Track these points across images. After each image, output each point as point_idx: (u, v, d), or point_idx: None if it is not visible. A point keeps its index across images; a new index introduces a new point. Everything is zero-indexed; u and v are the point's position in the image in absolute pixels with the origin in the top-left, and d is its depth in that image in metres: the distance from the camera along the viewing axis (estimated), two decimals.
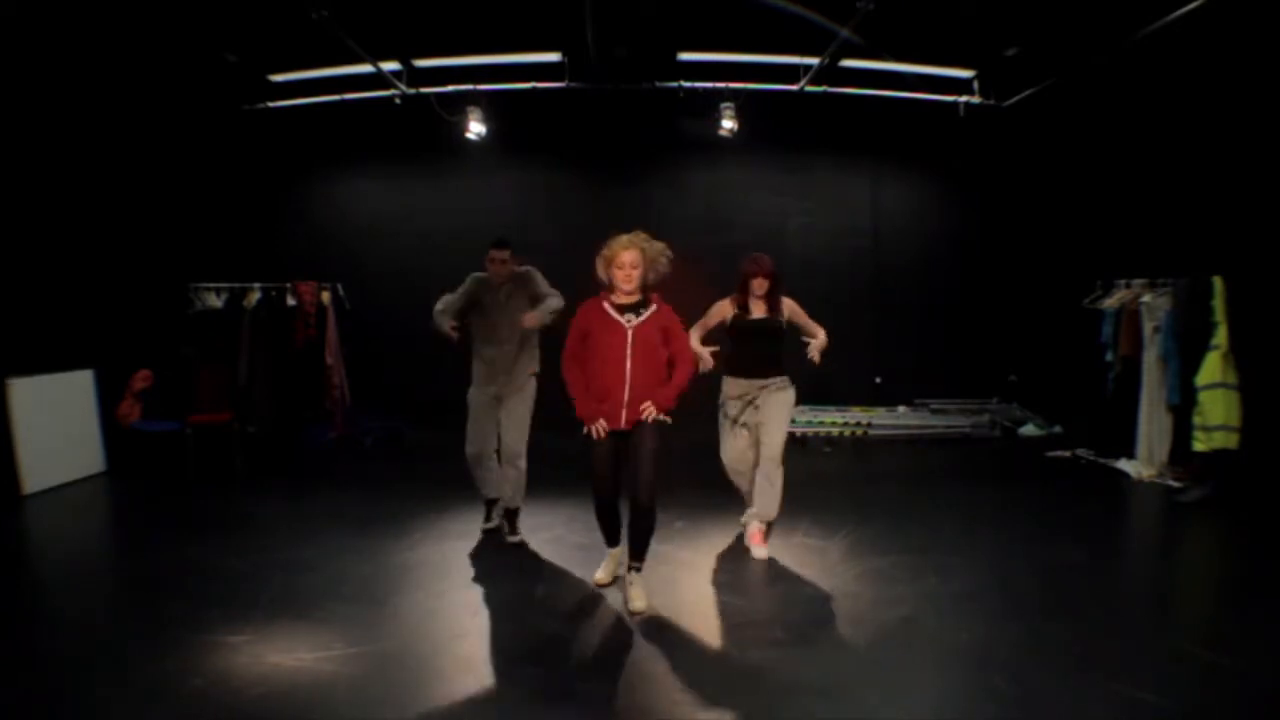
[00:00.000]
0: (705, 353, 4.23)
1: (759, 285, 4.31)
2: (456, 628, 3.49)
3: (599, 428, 3.61)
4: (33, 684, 2.96)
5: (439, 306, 4.55)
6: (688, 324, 4.03)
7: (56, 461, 5.86)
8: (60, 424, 5.96)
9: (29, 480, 5.58)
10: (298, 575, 4.08)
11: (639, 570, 3.74)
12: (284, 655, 3.19)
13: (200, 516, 5.25)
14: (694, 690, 2.96)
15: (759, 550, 4.36)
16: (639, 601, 3.64)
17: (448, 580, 4.07)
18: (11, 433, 5.51)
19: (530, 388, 4.60)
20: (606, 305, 3.70)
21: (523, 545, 4.58)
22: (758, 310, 4.36)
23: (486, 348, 4.56)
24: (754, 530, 4.42)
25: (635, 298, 3.69)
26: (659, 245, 3.70)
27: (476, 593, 3.89)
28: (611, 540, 3.93)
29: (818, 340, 4.38)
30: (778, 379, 4.39)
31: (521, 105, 7.79)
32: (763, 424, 4.36)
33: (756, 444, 4.42)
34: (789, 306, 4.42)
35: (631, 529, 3.71)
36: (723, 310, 4.42)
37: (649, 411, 3.58)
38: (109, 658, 3.17)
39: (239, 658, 3.16)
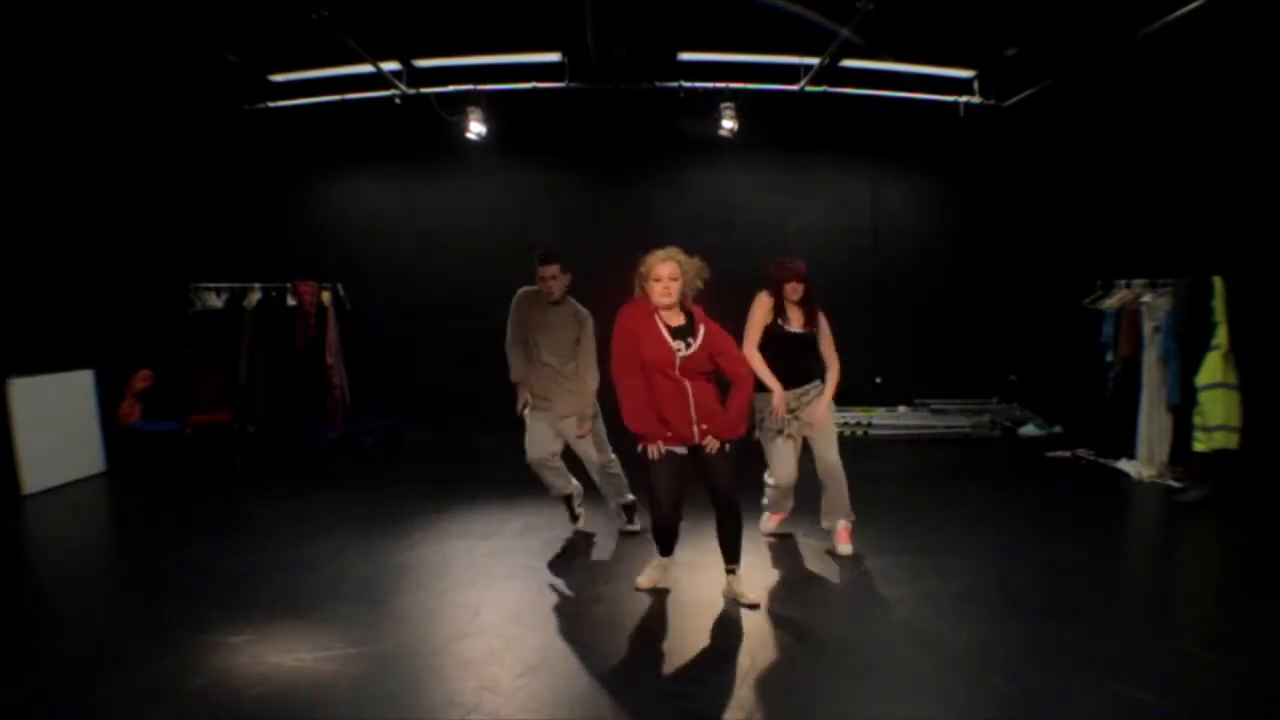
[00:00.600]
0: (781, 406, 4.14)
1: (793, 290, 4.22)
2: (456, 628, 3.48)
3: (657, 448, 3.50)
4: (33, 684, 2.96)
5: (511, 358, 4.50)
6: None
7: (56, 461, 5.86)
8: (60, 424, 5.96)
9: (29, 480, 5.59)
10: (298, 575, 4.08)
11: (735, 572, 3.73)
12: (284, 655, 3.19)
13: (200, 516, 5.26)
14: (693, 690, 2.96)
15: (848, 547, 4.36)
16: (753, 593, 3.67)
17: (448, 580, 4.07)
18: (11, 433, 5.51)
19: (595, 422, 4.50)
20: (657, 320, 3.54)
21: (628, 533, 4.69)
22: (795, 322, 4.24)
23: (539, 361, 4.45)
24: (843, 529, 4.39)
25: (680, 318, 3.57)
26: (697, 261, 3.58)
27: (476, 593, 3.89)
28: (666, 550, 3.86)
29: (827, 383, 4.30)
30: (817, 383, 4.33)
31: (521, 105, 7.79)
32: (815, 435, 4.28)
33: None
34: (824, 322, 4.32)
35: (721, 533, 3.67)
36: (765, 308, 4.26)
37: (713, 445, 3.51)
38: (109, 658, 3.17)
39: (239, 658, 3.16)
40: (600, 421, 4.53)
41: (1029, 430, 7.76)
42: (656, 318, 3.53)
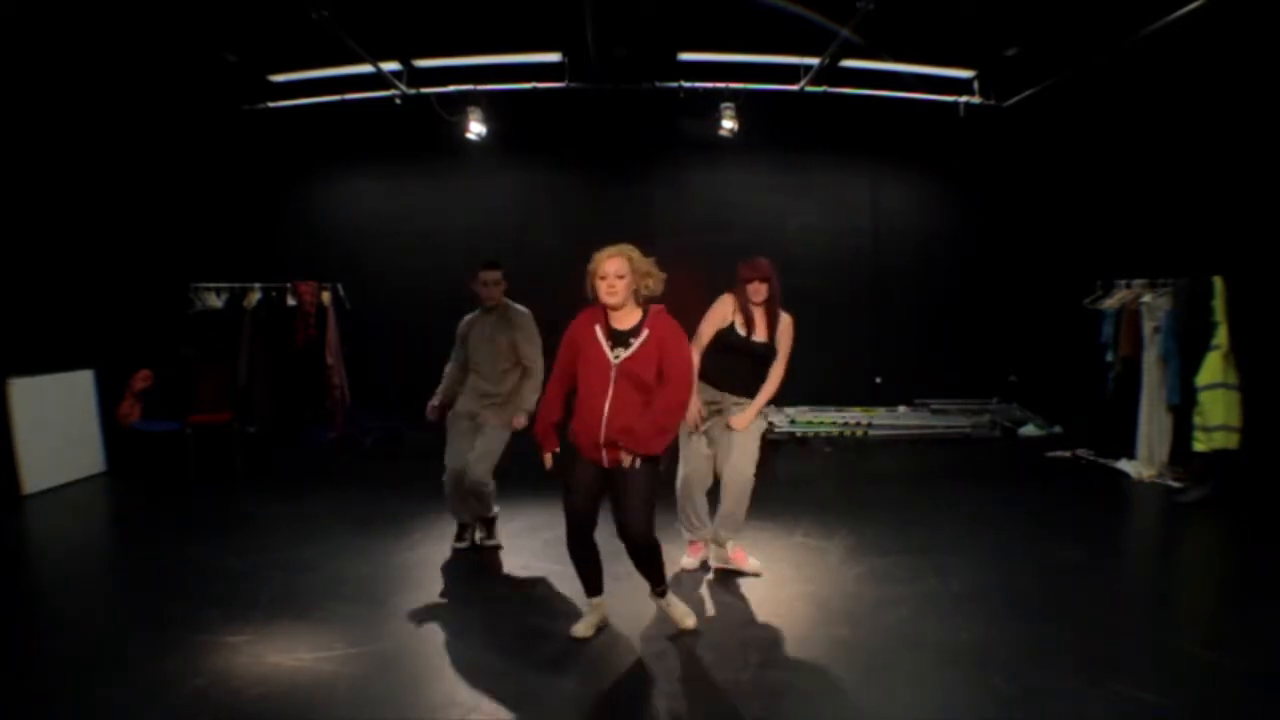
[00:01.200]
0: (694, 411, 3.89)
1: (755, 291, 3.97)
2: (456, 628, 3.48)
3: (546, 458, 3.33)
4: (33, 684, 2.96)
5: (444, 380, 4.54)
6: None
7: (56, 461, 5.86)
8: (60, 424, 5.96)
9: (29, 480, 5.59)
10: (298, 575, 4.08)
11: (664, 594, 3.46)
12: (284, 655, 3.19)
13: (200, 516, 5.26)
14: (694, 691, 2.96)
15: (754, 563, 4.12)
16: (689, 619, 3.44)
17: (448, 580, 4.07)
18: (11, 433, 5.51)
19: (506, 429, 4.38)
20: (598, 329, 3.27)
21: (498, 549, 4.49)
22: (759, 330, 4.00)
23: (472, 377, 4.45)
24: (737, 551, 4.15)
25: (630, 319, 3.27)
26: (649, 260, 3.29)
27: (477, 593, 3.89)
28: (591, 588, 3.44)
29: (760, 394, 4.01)
30: (748, 399, 4.04)
31: (521, 105, 7.79)
32: (734, 443, 3.98)
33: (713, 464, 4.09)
34: (785, 328, 4.06)
35: (634, 562, 3.37)
36: (725, 309, 4.04)
37: (628, 460, 3.16)
38: (109, 658, 3.17)
39: (239, 658, 3.16)
40: (505, 437, 4.35)
41: (1029, 430, 7.75)
42: (598, 325, 3.27)
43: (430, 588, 3.97)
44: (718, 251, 7.95)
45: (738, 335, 4.00)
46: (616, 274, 3.21)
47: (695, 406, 3.92)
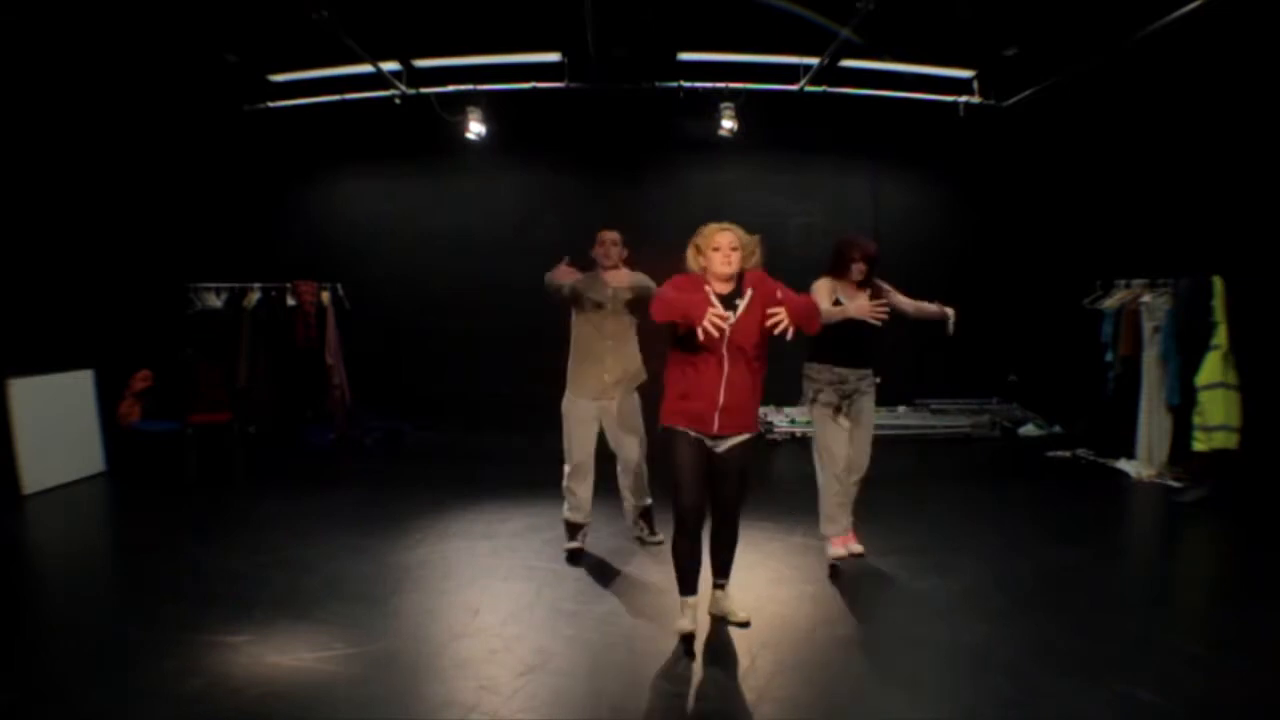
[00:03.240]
0: (860, 306, 3.77)
1: (859, 271, 3.98)
2: (456, 628, 3.48)
3: (711, 321, 3.02)
4: (33, 684, 2.96)
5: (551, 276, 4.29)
6: None
7: (56, 461, 5.85)
8: (60, 424, 5.95)
9: (29, 480, 5.58)
10: (298, 575, 4.08)
11: (724, 588, 3.55)
12: (284, 655, 3.19)
13: (200, 516, 5.26)
14: (694, 691, 2.96)
15: (856, 546, 4.10)
16: (743, 611, 3.51)
17: (448, 580, 4.07)
18: (11, 433, 5.50)
19: (636, 398, 4.31)
20: (709, 289, 3.27)
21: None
22: (866, 309, 3.86)
23: (588, 362, 4.26)
24: (847, 537, 4.11)
25: (730, 286, 3.28)
26: (753, 237, 3.35)
27: (477, 593, 3.89)
28: (688, 587, 3.37)
29: (947, 312, 4.11)
30: (871, 372, 4.11)
31: (521, 105, 7.79)
32: (856, 428, 4.04)
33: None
34: (890, 288, 4.13)
35: (715, 544, 3.45)
36: (825, 291, 3.98)
37: (779, 320, 3.03)
38: (109, 658, 3.17)
39: (239, 658, 3.16)
40: (640, 415, 4.28)
41: (1029, 430, 7.76)
42: (708, 287, 3.27)
43: (430, 588, 3.97)
44: None
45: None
46: (731, 245, 3.25)
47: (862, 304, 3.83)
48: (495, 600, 3.79)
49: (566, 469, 4.34)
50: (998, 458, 7.07)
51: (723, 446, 3.29)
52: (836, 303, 3.94)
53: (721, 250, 3.25)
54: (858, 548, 4.12)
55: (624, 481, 4.39)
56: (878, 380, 4.19)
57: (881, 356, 4.15)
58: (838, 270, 4.04)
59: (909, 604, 3.71)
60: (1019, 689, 2.88)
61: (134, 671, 3.04)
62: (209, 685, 2.94)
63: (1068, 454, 6.87)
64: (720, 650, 3.28)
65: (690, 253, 3.35)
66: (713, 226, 3.32)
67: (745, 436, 3.31)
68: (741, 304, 3.25)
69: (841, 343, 3.94)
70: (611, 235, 4.35)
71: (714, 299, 3.23)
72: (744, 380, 3.25)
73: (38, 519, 5.24)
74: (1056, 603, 3.69)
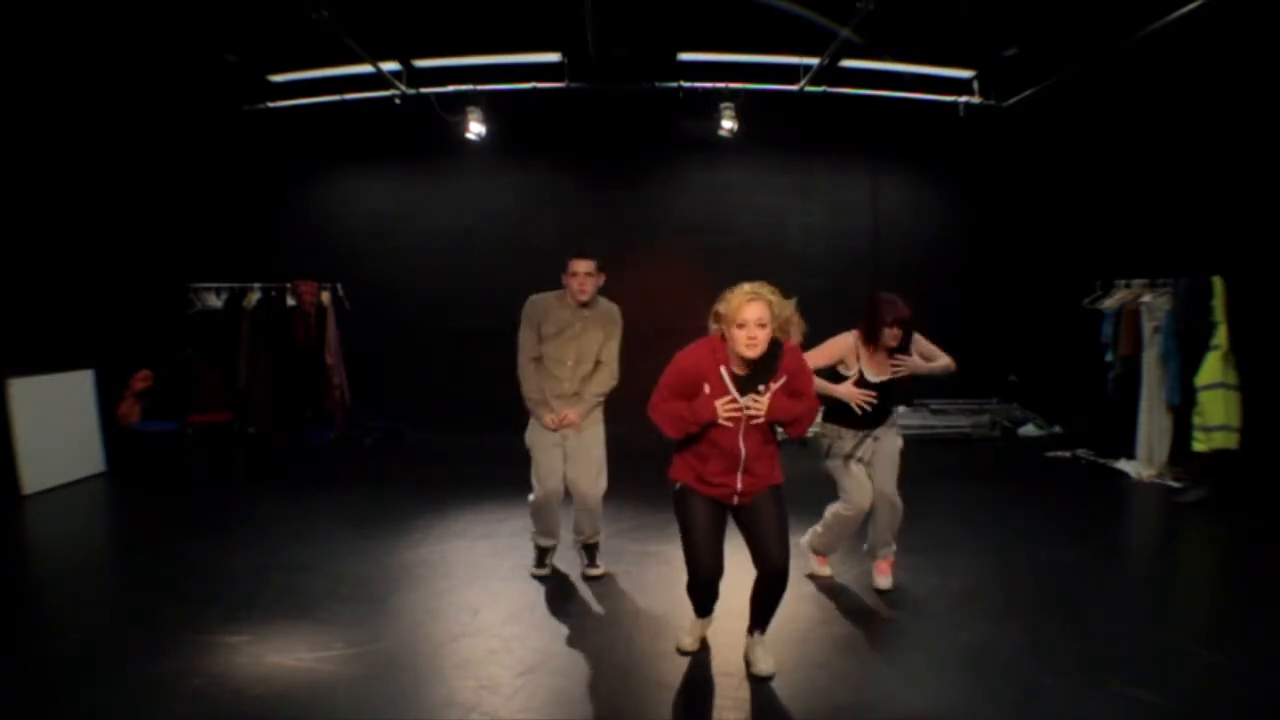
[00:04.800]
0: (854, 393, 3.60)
1: (893, 337, 3.62)
2: (456, 628, 3.48)
3: (728, 413, 2.82)
4: (33, 684, 2.96)
5: (524, 378, 3.96)
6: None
7: (56, 461, 5.86)
8: (60, 424, 5.95)
9: (29, 480, 5.58)
10: (298, 575, 4.08)
11: (762, 634, 3.14)
12: (284, 655, 3.19)
13: (200, 516, 5.26)
14: (694, 691, 2.96)
15: (886, 580, 3.94)
16: (765, 664, 3.04)
17: (448, 580, 4.07)
18: (11, 433, 5.51)
19: (600, 428, 4.04)
20: (724, 373, 2.87)
21: (604, 576, 4.14)
22: (878, 368, 3.70)
23: (550, 381, 3.95)
24: (888, 560, 3.98)
25: (752, 367, 2.87)
26: (789, 303, 2.87)
27: (477, 593, 3.89)
28: (702, 612, 3.24)
29: (934, 364, 3.83)
30: (896, 411, 3.96)
31: (521, 105, 7.80)
32: (878, 461, 3.82)
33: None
34: (923, 341, 3.84)
35: (758, 594, 3.05)
36: (842, 349, 3.72)
37: (755, 412, 2.82)
38: (109, 658, 3.17)
39: (239, 658, 3.16)
40: (602, 445, 4.05)
41: (1029, 430, 7.76)
42: (724, 370, 2.87)
43: (430, 588, 3.97)
44: (718, 251, 8.00)
45: (869, 384, 3.69)
46: (758, 322, 2.77)
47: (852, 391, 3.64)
48: (495, 600, 3.79)
49: (532, 497, 4.03)
50: (998, 458, 7.07)
51: (749, 500, 2.99)
52: (835, 372, 3.74)
53: (747, 328, 2.77)
54: (826, 570, 4.10)
55: (579, 519, 4.07)
56: (900, 412, 3.98)
57: (901, 401, 3.94)
58: (871, 336, 3.66)
59: (909, 604, 3.71)
60: (1019, 689, 2.88)
61: (134, 671, 3.04)
62: (209, 685, 2.94)
63: (1068, 454, 6.87)
64: (720, 651, 3.27)
65: (711, 319, 2.90)
66: (741, 294, 2.81)
67: (770, 487, 2.99)
68: (767, 392, 2.85)
69: (850, 408, 3.71)
70: (585, 265, 3.82)
71: (728, 382, 2.86)
72: (763, 447, 2.94)
73: (38, 519, 5.24)
74: (1056, 603, 3.69)
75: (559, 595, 3.87)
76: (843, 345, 3.73)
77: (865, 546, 4.07)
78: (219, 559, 4.32)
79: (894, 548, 3.97)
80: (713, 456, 2.93)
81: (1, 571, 4.28)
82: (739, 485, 2.94)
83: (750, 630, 3.14)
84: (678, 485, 3.04)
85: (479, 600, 3.79)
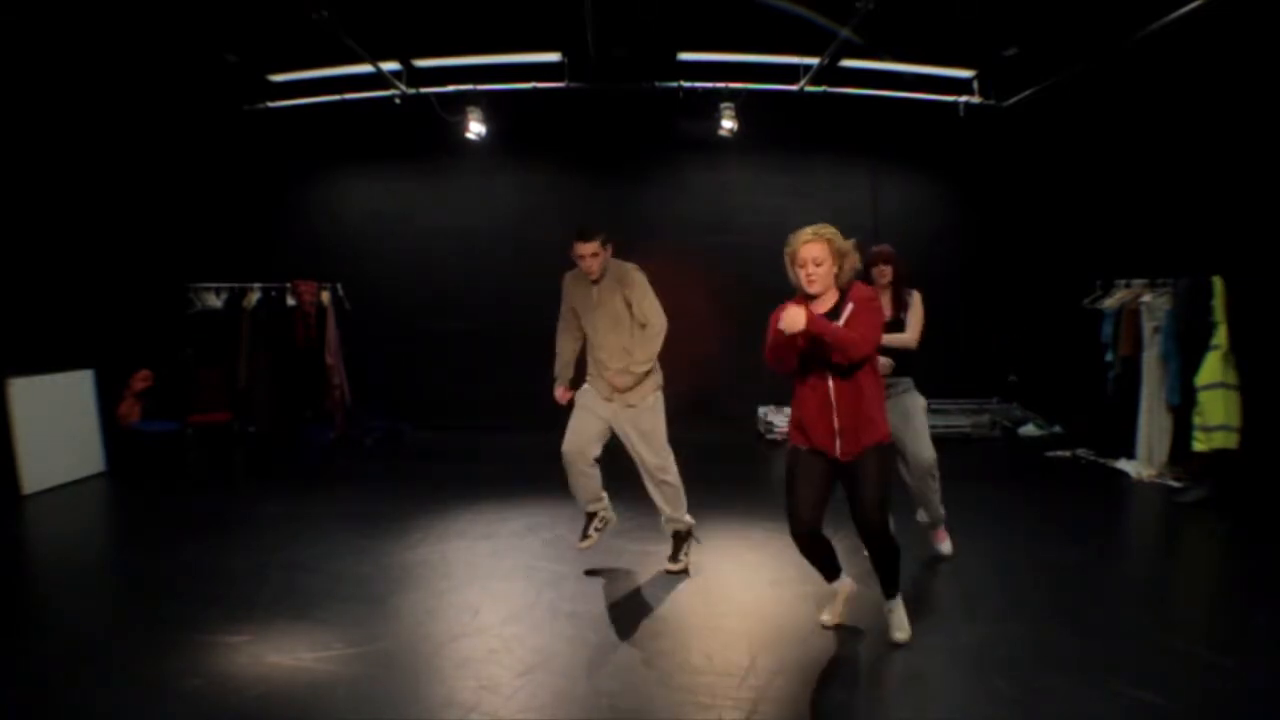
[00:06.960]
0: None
1: (881, 274, 4.04)
2: (456, 628, 3.48)
3: (789, 319, 2.88)
4: (33, 684, 2.96)
5: (558, 344, 4.10)
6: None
7: (56, 461, 5.86)
8: (60, 424, 5.95)
9: (29, 480, 5.58)
10: (298, 575, 4.08)
11: (893, 596, 3.30)
12: (284, 655, 3.19)
13: (200, 516, 5.25)
14: (694, 690, 2.96)
15: (945, 545, 4.30)
16: (896, 631, 3.25)
17: (448, 580, 4.07)
18: (11, 433, 5.51)
19: (654, 403, 3.99)
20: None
21: (684, 571, 4.09)
22: (885, 308, 3.95)
23: (594, 350, 4.03)
24: (942, 531, 4.31)
25: (828, 303, 3.09)
26: (850, 241, 3.10)
27: (477, 593, 3.89)
28: (830, 573, 3.37)
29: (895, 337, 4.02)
30: (905, 380, 4.16)
31: (521, 105, 7.80)
32: (905, 435, 4.05)
33: None
34: (915, 303, 4.14)
35: (872, 562, 3.27)
36: None
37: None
38: (109, 658, 3.17)
39: (239, 658, 3.16)
40: (661, 416, 4.02)
41: (1029, 430, 7.75)
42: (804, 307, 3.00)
43: (430, 588, 3.96)
44: (718, 251, 8.00)
45: None
46: (815, 260, 3.02)
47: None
48: (495, 600, 3.79)
49: None
50: (998, 458, 7.07)
51: (851, 457, 3.11)
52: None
53: (806, 267, 3.03)
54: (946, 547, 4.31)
55: (652, 495, 4.08)
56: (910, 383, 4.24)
57: (915, 366, 4.23)
58: (862, 276, 3.87)
59: (909, 604, 3.69)
60: (1019, 689, 2.88)
61: (134, 671, 3.04)
62: (209, 685, 2.94)
63: (1068, 454, 6.87)
64: (720, 651, 3.27)
65: (787, 263, 3.12)
66: (803, 235, 3.05)
67: (873, 445, 3.10)
68: (840, 321, 3.02)
69: None
70: (587, 248, 3.83)
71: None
72: (857, 398, 3.06)
73: (38, 519, 5.24)
74: (1056, 603, 3.69)
75: (559, 595, 3.87)
76: None
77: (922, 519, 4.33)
78: (219, 559, 4.32)
79: (943, 513, 4.21)
80: (809, 401, 3.13)
81: (1, 571, 4.28)
82: (837, 433, 3.09)
83: (885, 596, 3.31)
84: (790, 446, 3.25)
85: (479, 600, 3.79)
